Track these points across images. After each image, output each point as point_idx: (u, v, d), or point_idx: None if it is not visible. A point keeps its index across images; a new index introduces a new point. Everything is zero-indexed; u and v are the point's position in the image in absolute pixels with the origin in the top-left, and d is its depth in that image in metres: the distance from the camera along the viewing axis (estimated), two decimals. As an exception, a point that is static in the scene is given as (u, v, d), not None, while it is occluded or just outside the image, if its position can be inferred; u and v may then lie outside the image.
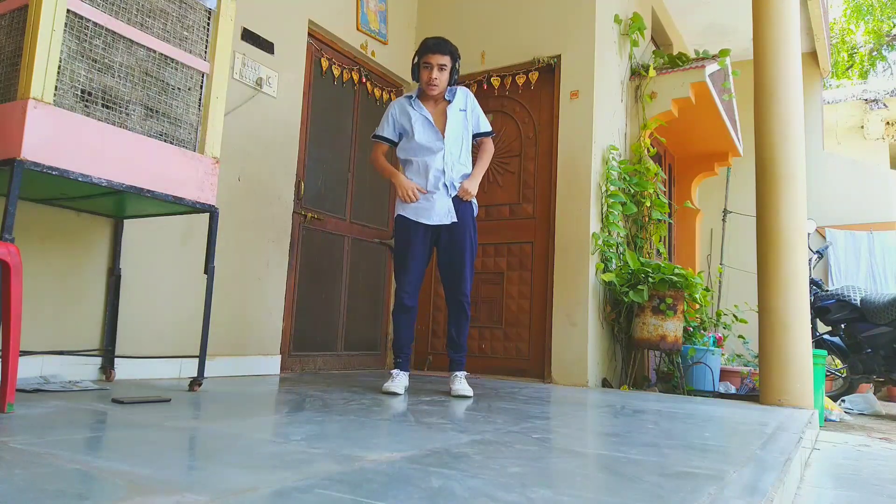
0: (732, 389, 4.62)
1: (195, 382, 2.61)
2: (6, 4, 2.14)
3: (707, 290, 4.75)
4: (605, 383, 4.12)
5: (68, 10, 2.09)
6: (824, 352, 3.84)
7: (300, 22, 3.90)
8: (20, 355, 2.10)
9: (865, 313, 4.87)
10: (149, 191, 2.31)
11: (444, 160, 3.04)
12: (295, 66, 3.86)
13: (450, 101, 3.12)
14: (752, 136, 3.87)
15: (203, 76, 2.56)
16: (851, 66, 13.59)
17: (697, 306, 4.51)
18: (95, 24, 2.18)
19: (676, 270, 4.02)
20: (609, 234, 4.27)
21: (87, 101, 2.16)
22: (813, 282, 5.16)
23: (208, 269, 2.62)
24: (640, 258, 4.30)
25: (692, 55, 5.25)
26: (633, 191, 4.50)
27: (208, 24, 2.59)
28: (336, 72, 4.26)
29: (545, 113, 4.45)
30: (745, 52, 5.91)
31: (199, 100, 2.55)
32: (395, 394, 2.89)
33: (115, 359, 2.82)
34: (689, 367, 4.39)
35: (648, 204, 4.54)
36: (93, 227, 2.80)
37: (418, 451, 1.57)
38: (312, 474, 1.27)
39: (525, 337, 4.32)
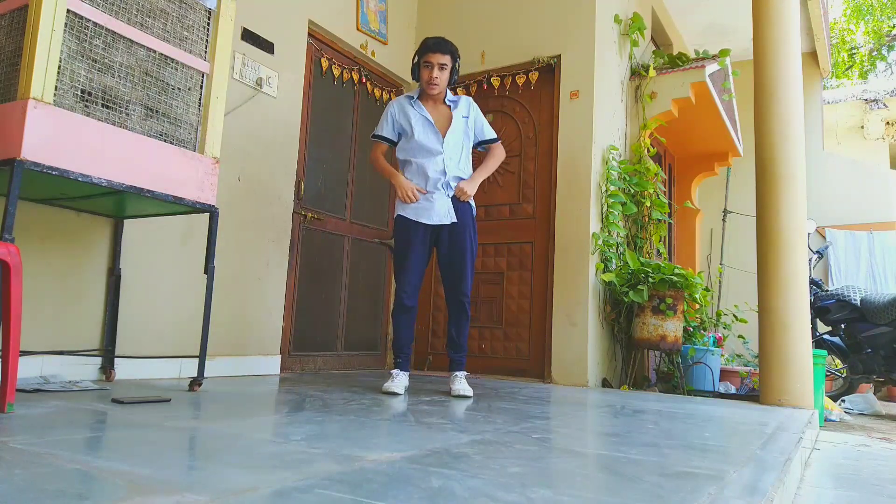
0: (732, 389, 4.62)
1: (195, 382, 2.61)
2: (6, 4, 2.14)
3: (707, 290, 4.75)
4: (605, 383, 4.12)
5: (68, 10, 2.09)
6: (824, 352, 3.84)
7: (300, 22, 3.90)
8: (20, 355, 2.10)
9: (865, 313, 4.87)
10: (149, 191, 2.31)
11: (443, 163, 3.04)
12: (295, 66, 3.86)
13: (451, 106, 3.13)
14: (752, 136, 3.87)
15: (203, 76, 2.56)
16: (851, 66, 13.59)
17: (697, 306, 4.51)
18: (95, 24, 2.18)
19: (676, 270, 4.03)
20: (609, 234, 4.27)
21: (87, 101, 2.16)
22: (813, 282, 5.16)
23: (208, 269, 2.62)
24: (640, 258, 4.30)
25: (692, 55, 5.25)
26: (633, 191, 4.50)
27: (208, 24, 2.59)
28: (336, 72, 4.26)
29: (545, 113, 4.45)
30: (745, 52, 5.91)
31: (199, 100, 2.55)
32: (395, 394, 2.89)
33: (115, 359, 2.82)
34: (689, 367, 4.39)
35: (648, 204, 4.54)
36: (93, 227, 2.80)
37: (418, 451, 1.57)
38: (312, 474, 1.27)
39: (525, 337, 4.32)
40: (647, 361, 4.68)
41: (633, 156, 4.72)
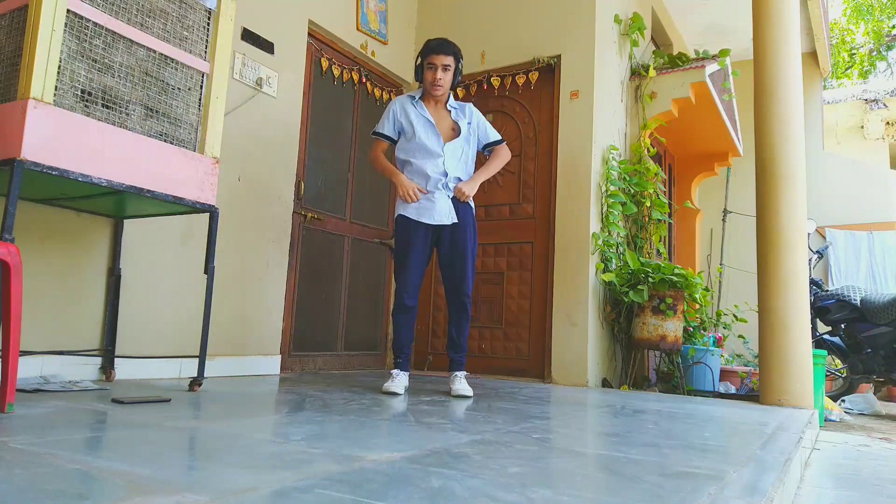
0: (732, 389, 4.62)
1: (195, 382, 2.61)
2: (6, 4, 2.14)
3: (707, 290, 4.75)
4: (605, 383, 4.12)
5: (68, 10, 2.09)
6: (824, 352, 3.84)
7: (300, 22, 3.90)
8: (20, 355, 2.10)
9: (865, 313, 4.87)
10: (149, 191, 2.31)
11: (444, 164, 3.04)
12: (295, 66, 3.86)
13: (452, 112, 3.13)
14: (752, 136, 3.87)
15: (203, 76, 2.56)
16: (851, 66, 13.59)
17: (697, 306, 4.51)
18: (95, 24, 2.18)
19: (676, 270, 4.03)
20: (609, 234, 4.27)
21: (87, 101, 2.16)
22: (813, 282, 5.16)
23: (208, 269, 2.62)
24: (640, 258, 4.31)
25: (692, 55, 5.25)
26: (633, 191, 4.50)
27: (208, 24, 2.59)
28: (336, 72, 4.26)
29: (545, 113, 4.45)
30: (745, 52, 5.91)
31: (199, 100, 2.55)
32: (395, 394, 2.89)
33: (115, 359, 2.82)
34: (689, 367, 4.39)
35: (648, 204, 4.54)
36: (93, 227, 2.80)
37: (418, 451, 1.57)
38: (312, 474, 1.27)
39: (525, 337, 4.32)
40: (647, 361, 4.68)
41: (633, 156, 4.72)
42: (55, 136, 2.03)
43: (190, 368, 3.06)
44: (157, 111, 2.39)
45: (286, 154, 3.79)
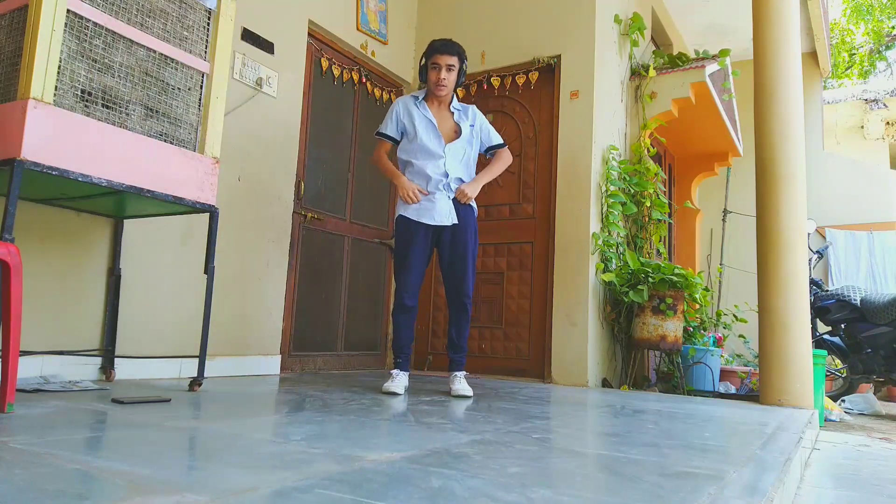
0: (732, 389, 4.62)
1: (195, 382, 2.61)
2: (6, 4, 2.14)
3: (707, 290, 4.75)
4: (605, 383, 4.12)
5: (68, 10, 2.09)
6: (824, 352, 3.84)
7: (300, 22, 3.90)
8: (20, 355, 2.10)
9: (865, 313, 4.87)
10: (149, 191, 2.31)
11: (444, 165, 3.04)
12: (295, 66, 3.86)
13: (455, 113, 3.13)
14: (752, 136, 3.87)
15: (203, 76, 2.56)
16: (851, 66, 13.59)
17: (697, 306, 4.51)
18: (95, 24, 2.18)
19: (676, 270, 4.03)
20: (609, 234, 4.27)
21: (87, 101, 2.16)
22: (813, 282, 5.16)
23: (208, 269, 2.62)
24: (640, 258, 4.31)
25: (692, 55, 5.25)
26: (633, 191, 4.50)
27: (208, 24, 2.59)
28: (336, 72, 4.26)
29: (545, 113, 4.45)
30: (745, 52, 5.91)
31: (199, 100, 2.55)
32: (395, 394, 2.89)
33: (115, 359, 2.82)
34: (689, 367, 4.39)
35: (648, 204, 4.54)
36: (93, 227, 2.80)
37: (418, 451, 1.57)
38: (312, 474, 1.27)
39: (525, 337, 4.32)
40: (647, 361, 4.68)
41: (633, 156, 4.72)
42: (55, 136, 2.03)
43: (190, 368, 3.06)
44: (157, 111, 2.39)
45: (286, 154, 3.79)
